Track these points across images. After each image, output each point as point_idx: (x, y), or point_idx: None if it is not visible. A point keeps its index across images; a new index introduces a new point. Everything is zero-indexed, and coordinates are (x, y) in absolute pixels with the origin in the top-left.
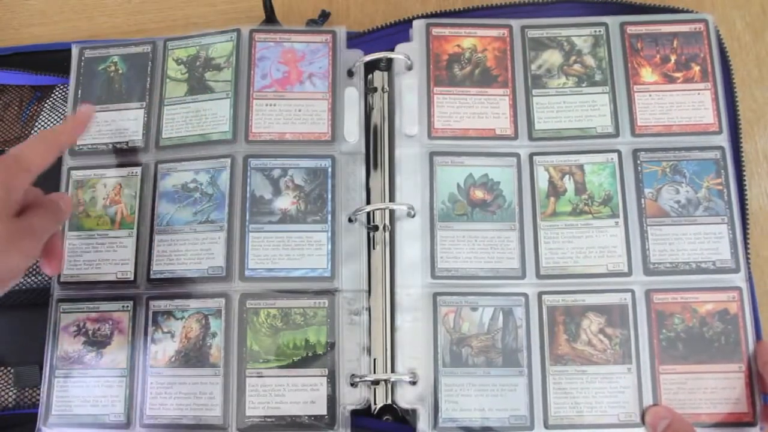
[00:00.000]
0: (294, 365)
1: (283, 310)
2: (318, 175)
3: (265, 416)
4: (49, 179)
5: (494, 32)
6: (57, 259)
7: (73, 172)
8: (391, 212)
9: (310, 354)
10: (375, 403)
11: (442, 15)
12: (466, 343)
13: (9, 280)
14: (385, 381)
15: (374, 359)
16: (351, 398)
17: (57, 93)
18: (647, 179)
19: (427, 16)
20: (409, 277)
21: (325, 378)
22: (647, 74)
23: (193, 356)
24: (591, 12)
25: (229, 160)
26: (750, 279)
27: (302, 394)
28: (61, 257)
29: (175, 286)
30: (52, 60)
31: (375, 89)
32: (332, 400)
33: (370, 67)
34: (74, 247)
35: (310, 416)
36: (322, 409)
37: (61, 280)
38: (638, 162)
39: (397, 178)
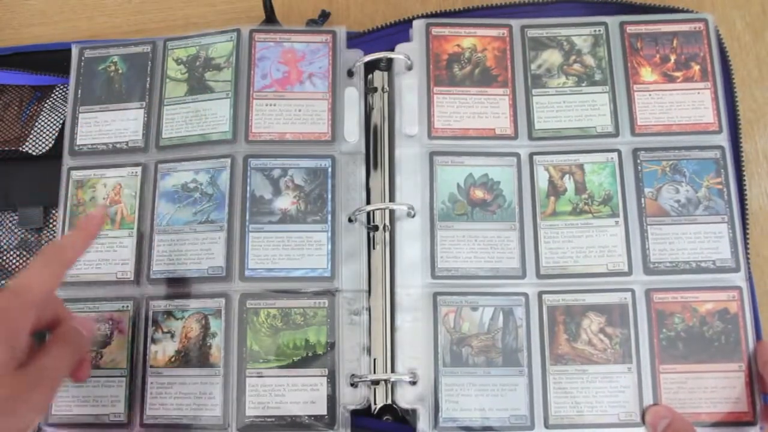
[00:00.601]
0: (294, 365)
1: (283, 310)
2: (318, 175)
3: (265, 416)
4: (50, 180)
5: (494, 32)
6: (85, 371)
7: (73, 172)
8: (391, 212)
9: (310, 354)
10: (375, 403)
11: (442, 15)
12: (467, 342)
13: None
14: (385, 381)
15: (374, 359)
16: (351, 398)
17: (57, 93)
18: (647, 179)
19: (427, 16)
20: (409, 277)
21: (325, 378)
22: (647, 74)
23: (193, 356)
24: (591, 12)
25: (229, 160)
26: (750, 278)
27: (302, 394)
28: (89, 368)
29: (175, 286)
30: (52, 60)
31: (375, 89)
32: (332, 400)
33: (370, 67)
34: None
35: (310, 416)
36: (322, 409)
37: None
38: (638, 161)
39: (397, 178)
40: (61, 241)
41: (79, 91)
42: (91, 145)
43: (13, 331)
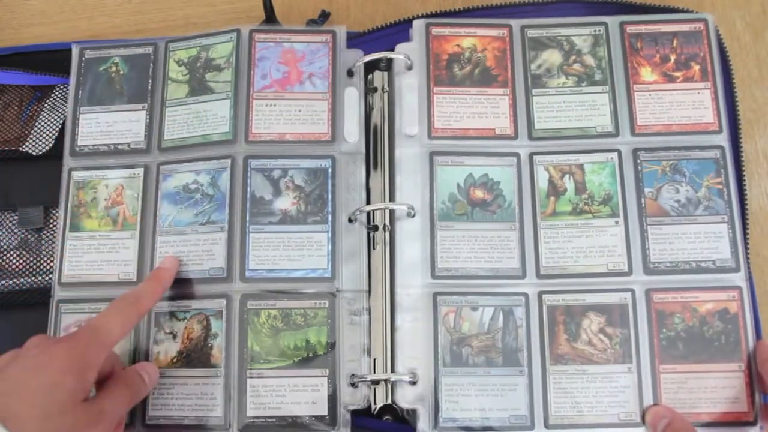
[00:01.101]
0: (295, 366)
1: (284, 310)
2: (318, 176)
3: (266, 416)
4: (50, 180)
5: (494, 32)
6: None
7: (74, 173)
8: (391, 212)
9: (310, 354)
10: (375, 403)
11: (442, 15)
12: (467, 342)
13: None
14: (385, 381)
15: (374, 359)
16: (351, 398)
17: (57, 93)
18: (647, 178)
19: (427, 16)
20: (409, 277)
21: (326, 378)
22: (647, 74)
23: (194, 357)
24: (591, 12)
25: (229, 161)
26: (750, 278)
27: (303, 394)
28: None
29: (177, 287)
30: (52, 60)
31: (375, 89)
32: (333, 401)
33: (370, 67)
34: (75, 248)
35: (311, 416)
36: (323, 410)
37: (62, 281)
38: (638, 161)
39: (397, 178)
40: (138, 290)
41: (80, 91)
42: (93, 146)
43: (87, 365)
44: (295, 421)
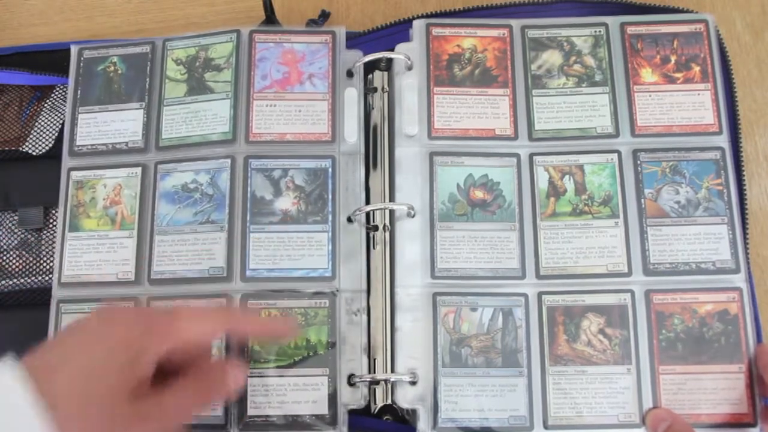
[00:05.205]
0: (295, 365)
1: (285, 310)
2: (318, 176)
3: (266, 416)
4: (50, 180)
5: (494, 32)
6: None
7: (73, 173)
8: (391, 212)
9: (311, 354)
10: (375, 403)
11: (442, 15)
12: (466, 343)
13: None
14: (385, 381)
15: (374, 359)
16: (351, 398)
17: (57, 93)
18: (647, 179)
19: (427, 16)
20: (408, 277)
21: (326, 377)
22: (647, 74)
23: None
24: (591, 12)
25: (229, 161)
26: (750, 279)
27: (304, 393)
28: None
29: (176, 287)
30: (52, 60)
31: (375, 89)
32: (333, 400)
33: (370, 67)
34: (74, 248)
35: (311, 416)
36: (323, 409)
37: (62, 281)
38: (638, 162)
39: (397, 178)
40: (240, 312)
41: (79, 91)
42: (91, 145)
43: (145, 351)
44: (296, 420)
